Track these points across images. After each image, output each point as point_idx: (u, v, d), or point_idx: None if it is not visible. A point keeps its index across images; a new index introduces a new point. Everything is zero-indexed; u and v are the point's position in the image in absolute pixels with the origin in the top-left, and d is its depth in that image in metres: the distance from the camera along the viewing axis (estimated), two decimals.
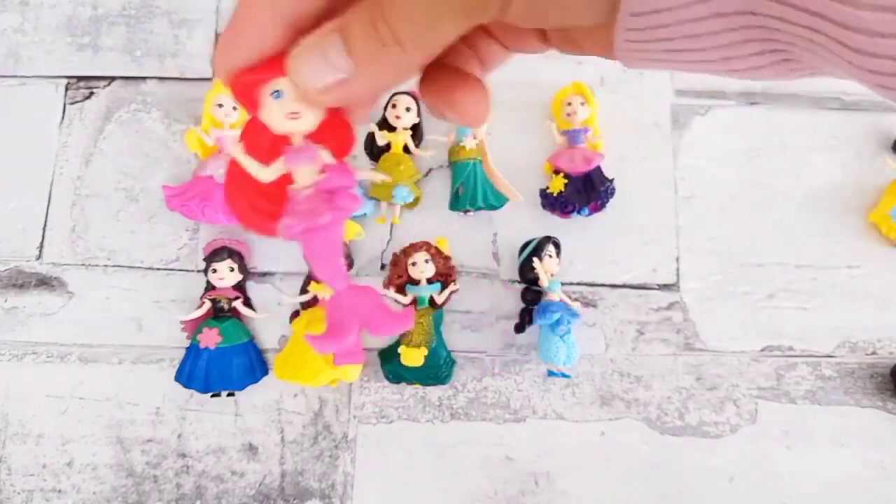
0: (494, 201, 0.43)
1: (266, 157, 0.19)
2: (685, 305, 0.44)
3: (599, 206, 0.43)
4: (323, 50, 0.16)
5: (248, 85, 0.17)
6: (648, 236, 0.44)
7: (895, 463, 0.41)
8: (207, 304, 0.41)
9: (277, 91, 0.17)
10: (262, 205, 0.19)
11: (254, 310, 0.42)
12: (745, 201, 0.45)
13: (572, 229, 0.43)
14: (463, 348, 0.42)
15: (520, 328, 0.42)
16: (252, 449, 0.40)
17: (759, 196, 0.45)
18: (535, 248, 0.41)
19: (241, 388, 0.40)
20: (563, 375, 0.41)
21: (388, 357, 0.41)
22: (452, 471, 0.40)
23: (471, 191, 0.43)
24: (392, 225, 0.44)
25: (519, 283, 0.43)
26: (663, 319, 0.43)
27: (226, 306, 0.41)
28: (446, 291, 0.42)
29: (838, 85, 0.48)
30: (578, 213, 0.42)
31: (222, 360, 0.40)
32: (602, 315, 0.43)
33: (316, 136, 0.18)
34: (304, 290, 0.42)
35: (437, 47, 0.16)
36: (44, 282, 0.42)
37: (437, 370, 0.40)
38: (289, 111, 0.17)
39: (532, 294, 0.42)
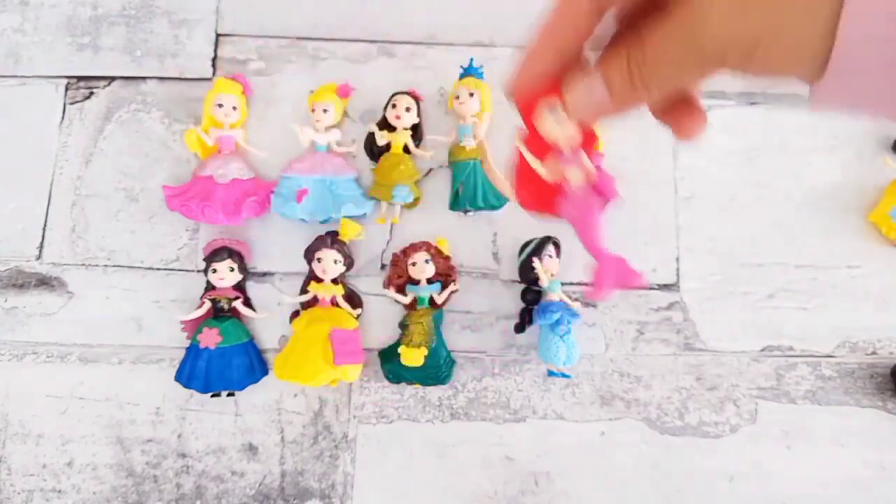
0: (494, 201, 0.43)
1: (540, 155, 0.26)
2: (685, 305, 0.44)
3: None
4: (590, 89, 0.22)
5: (530, 99, 0.24)
6: (648, 236, 0.44)
7: (895, 463, 0.41)
8: (207, 304, 0.41)
9: (552, 107, 0.24)
10: (543, 193, 0.27)
11: (254, 310, 0.42)
12: (745, 201, 0.45)
13: (570, 229, 0.43)
14: (463, 348, 0.42)
15: (520, 328, 0.42)
16: (252, 449, 0.40)
17: (759, 196, 0.45)
18: (536, 248, 0.41)
19: (241, 388, 0.40)
20: (564, 375, 0.41)
21: (388, 357, 0.41)
22: (452, 471, 0.40)
23: (471, 191, 0.43)
24: (392, 225, 0.44)
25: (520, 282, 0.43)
26: (663, 319, 0.43)
27: (226, 306, 0.41)
28: (446, 291, 0.42)
29: None
30: None
31: (222, 360, 0.40)
32: (602, 315, 0.43)
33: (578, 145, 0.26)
34: (304, 290, 0.42)
35: (673, 91, 0.22)
36: (44, 282, 0.42)
37: (437, 370, 0.40)
38: (559, 122, 0.25)
39: (532, 294, 0.42)
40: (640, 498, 0.40)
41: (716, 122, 0.47)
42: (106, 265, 0.43)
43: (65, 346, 0.41)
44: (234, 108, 0.43)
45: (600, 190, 0.27)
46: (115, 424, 0.40)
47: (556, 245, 0.42)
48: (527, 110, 0.25)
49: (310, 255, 0.42)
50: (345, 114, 0.46)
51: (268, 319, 0.42)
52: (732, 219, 0.45)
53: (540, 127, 0.26)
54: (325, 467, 0.40)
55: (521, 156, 0.27)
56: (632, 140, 0.46)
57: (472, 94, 0.44)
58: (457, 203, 0.43)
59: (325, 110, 0.44)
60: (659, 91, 0.22)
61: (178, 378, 0.40)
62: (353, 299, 0.42)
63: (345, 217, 0.42)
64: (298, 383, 0.40)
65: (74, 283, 0.43)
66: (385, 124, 0.44)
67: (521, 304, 0.42)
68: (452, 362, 0.41)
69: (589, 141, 0.26)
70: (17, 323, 0.42)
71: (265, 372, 0.41)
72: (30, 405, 0.40)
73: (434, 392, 0.42)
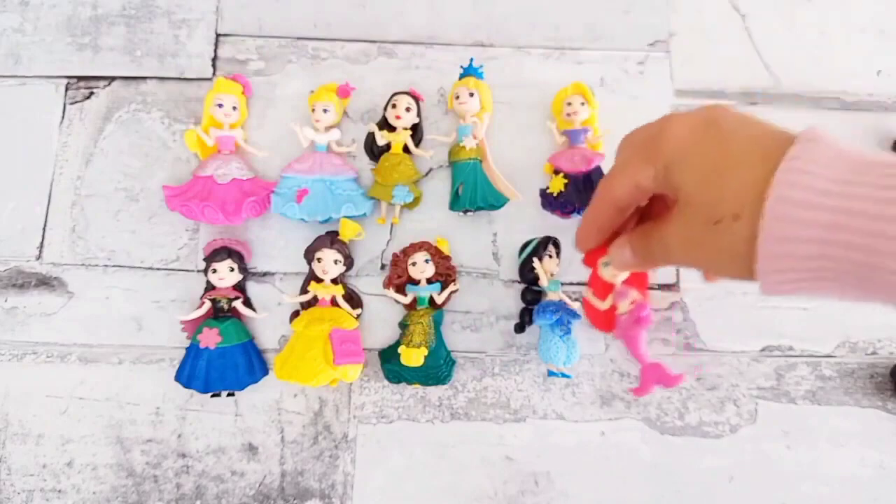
0: (494, 201, 0.43)
1: (602, 294, 0.40)
2: (685, 305, 0.44)
3: None
4: (622, 250, 0.31)
5: (592, 257, 0.33)
6: None
7: (895, 463, 0.41)
8: (207, 304, 0.41)
9: (605, 261, 0.36)
10: (603, 317, 0.41)
11: (254, 310, 0.42)
12: None
13: (573, 229, 0.43)
14: (463, 348, 0.42)
15: (520, 328, 0.42)
16: (252, 449, 0.40)
17: None
18: (535, 248, 0.41)
19: (241, 388, 0.40)
20: (564, 375, 0.41)
21: (388, 357, 0.41)
22: (452, 471, 0.40)
23: (471, 191, 0.43)
24: (392, 225, 0.44)
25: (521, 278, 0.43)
26: (663, 319, 0.43)
27: (226, 306, 0.41)
28: (446, 291, 0.42)
29: (838, 85, 0.48)
30: (578, 213, 0.42)
31: (222, 360, 0.40)
32: None
33: (627, 282, 0.40)
34: (304, 290, 0.42)
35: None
36: (44, 282, 0.42)
37: (436, 370, 0.40)
38: (611, 272, 0.40)
39: (532, 294, 0.42)
40: (640, 498, 0.40)
41: None
42: (106, 265, 0.43)
43: (65, 346, 0.41)
44: (234, 108, 0.43)
45: (640, 317, 0.38)
46: (115, 424, 0.40)
47: (557, 245, 0.42)
48: (590, 263, 0.38)
49: (310, 255, 0.42)
50: (344, 114, 0.46)
51: (268, 319, 0.42)
52: None
53: (599, 272, 0.41)
54: (325, 467, 0.40)
55: (589, 293, 0.42)
56: None
57: (472, 94, 0.44)
58: (457, 203, 0.43)
59: (325, 110, 0.44)
60: (663, 264, 0.31)
61: (178, 378, 0.40)
62: (353, 299, 0.42)
63: (344, 217, 0.42)
64: (298, 383, 0.40)
65: (74, 283, 0.43)
66: (385, 124, 0.44)
67: (522, 304, 0.42)
68: (452, 362, 0.41)
69: (640, 281, 0.40)
70: (17, 323, 0.42)
71: (265, 372, 0.41)
72: (30, 405, 0.40)
73: (434, 392, 0.42)
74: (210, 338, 0.40)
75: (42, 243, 0.43)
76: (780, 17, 0.49)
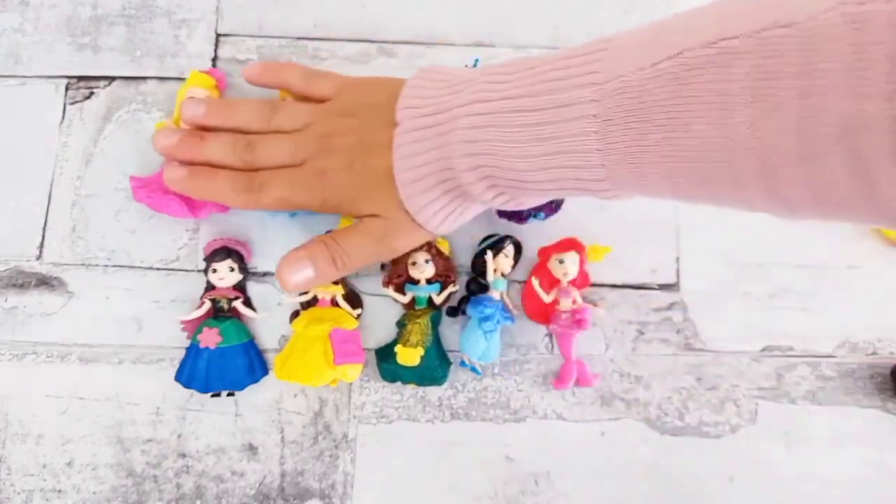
0: None
1: (547, 287, 0.42)
2: (685, 305, 0.44)
3: (554, 209, 0.42)
4: (303, 271, 0.36)
5: (546, 250, 0.43)
6: (648, 236, 0.44)
7: (895, 463, 0.41)
8: (207, 304, 0.41)
9: (559, 258, 0.42)
10: (541, 308, 0.42)
11: (254, 310, 0.42)
12: None
13: (573, 229, 0.43)
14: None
15: (452, 312, 0.43)
16: (252, 449, 0.40)
17: None
18: (494, 243, 0.41)
19: (242, 388, 0.40)
20: (474, 369, 0.41)
21: (385, 356, 0.41)
22: (452, 471, 0.40)
23: None
24: None
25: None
26: (663, 319, 0.43)
27: (226, 306, 0.41)
28: (445, 292, 0.42)
29: None
30: (534, 217, 0.42)
31: (222, 360, 0.40)
32: (602, 315, 0.43)
33: (573, 282, 0.42)
34: (304, 290, 0.42)
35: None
36: (44, 282, 0.43)
37: (433, 370, 0.40)
38: (563, 270, 0.42)
39: (476, 285, 0.42)
40: (640, 498, 0.40)
41: None
42: (106, 265, 0.43)
43: (65, 346, 0.41)
44: None
45: (580, 319, 0.40)
46: (115, 424, 0.40)
47: (517, 247, 0.42)
48: (543, 255, 0.42)
49: None
50: None
51: (268, 319, 0.42)
52: (733, 219, 0.45)
53: (549, 265, 0.42)
54: (325, 467, 0.40)
55: (531, 283, 0.42)
56: None
57: None
58: None
59: None
60: (348, 272, 0.38)
61: (178, 378, 0.40)
62: (354, 299, 0.42)
63: (309, 212, 0.42)
64: (298, 383, 0.40)
65: (74, 283, 0.43)
66: None
67: (464, 292, 0.43)
68: (449, 363, 0.41)
69: (582, 282, 0.42)
70: (17, 323, 0.42)
71: (265, 372, 0.41)
72: (30, 405, 0.41)
73: (434, 392, 0.42)
74: (210, 338, 0.40)
75: (42, 243, 0.43)
76: None
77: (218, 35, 0.47)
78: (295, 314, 0.42)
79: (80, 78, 0.46)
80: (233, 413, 0.41)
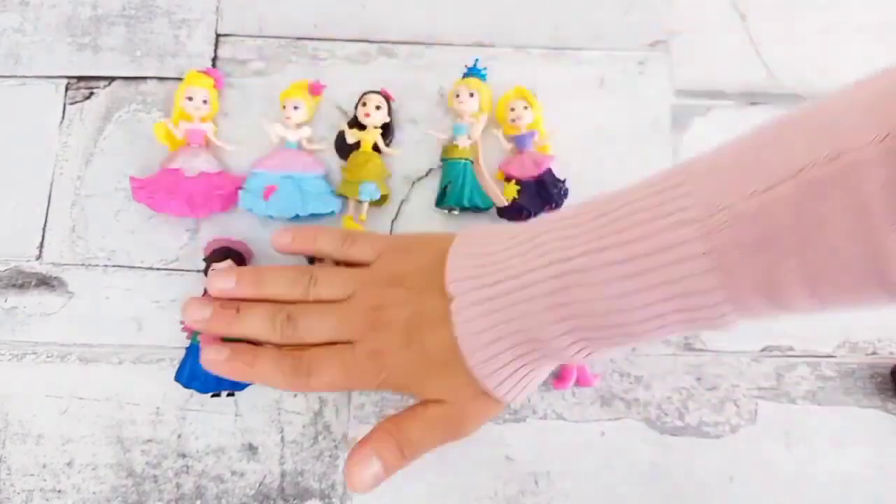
0: (481, 203, 0.43)
1: None
2: None
3: (555, 209, 0.42)
4: (371, 468, 0.33)
5: None
6: None
7: (895, 463, 0.41)
8: None
9: None
10: None
11: None
12: None
13: None
14: None
15: None
16: (252, 449, 0.40)
17: None
18: None
19: (241, 388, 0.40)
20: None
21: None
22: (452, 471, 0.40)
23: (458, 190, 0.43)
24: (362, 223, 0.43)
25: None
26: None
27: None
28: None
29: (838, 85, 0.48)
30: (534, 217, 0.42)
31: None
32: None
33: None
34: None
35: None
36: (44, 282, 0.43)
37: None
38: None
39: None
40: (640, 498, 0.40)
41: (716, 122, 0.47)
42: (106, 265, 0.43)
43: (65, 346, 0.41)
44: (205, 101, 0.44)
45: None
46: (115, 424, 0.40)
47: None
48: None
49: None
50: (345, 113, 0.46)
51: None
52: None
53: None
54: (325, 467, 0.40)
55: None
56: (631, 140, 0.46)
57: (472, 95, 0.44)
58: (443, 200, 0.43)
59: (295, 107, 0.44)
60: (413, 460, 0.34)
61: (178, 378, 0.40)
62: None
63: (311, 214, 0.42)
64: None
65: (74, 283, 0.43)
66: (355, 122, 0.44)
67: None
68: None
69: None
70: (17, 323, 0.42)
71: None
72: (30, 405, 0.40)
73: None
74: (210, 339, 0.40)
75: (42, 243, 0.43)
76: (780, 17, 0.49)
77: (218, 35, 0.47)
78: None
79: (80, 78, 0.46)
80: (233, 413, 0.41)
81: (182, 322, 0.41)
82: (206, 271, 0.41)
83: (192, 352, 0.40)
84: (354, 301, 0.34)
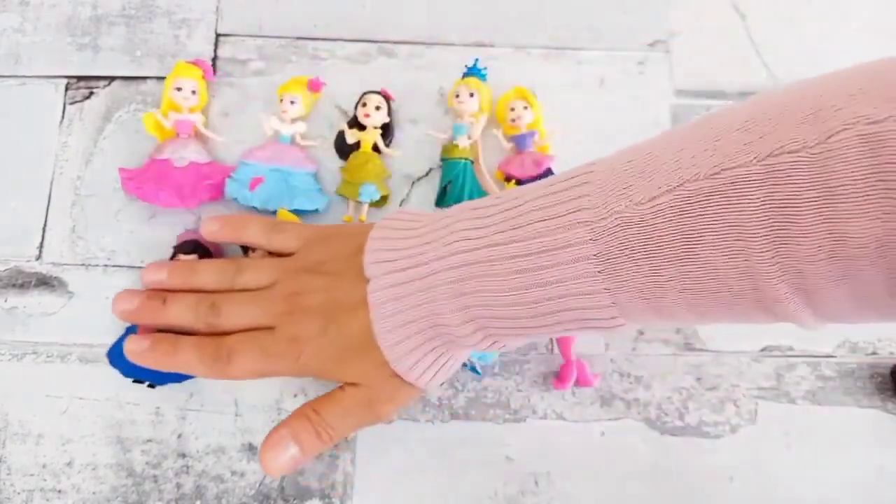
0: None
1: None
2: None
3: None
4: (287, 449, 0.34)
5: None
6: None
7: (895, 463, 0.41)
8: None
9: None
10: None
11: None
12: None
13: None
14: None
15: None
16: (252, 449, 0.40)
17: None
18: None
19: (162, 383, 0.40)
20: (473, 369, 0.41)
21: None
22: (452, 471, 0.40)
23: (458, 190, 0.43)
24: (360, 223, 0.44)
25: None
26: None
27: None
28: None
29: None
30: None
31: None
32: None
33: None
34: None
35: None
36: (44, 282, 0.42)
37: None
38: None
39: None
40: (640, 498, 0.40)
41: None
42: (106, 265, 0.43)
43: (65, 346, 0.41)
44: (194, 91, 0.44)
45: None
46: (115, 424, 0.40)
47: None
48: None
49: (246, 245, 0.41)
50: (344, 113, 0.46)
51: None
52: None
53: None
54: (325, 467, 0.40)
55: None
56: (631, 140, 0.46)
57: (472, 95, 0.44)
58: (443, 200, 0.43)
59: (292, 102, 0.44)
60: (334, 442, 0.35)
61: (108, 354, 0.40)
62: None
63: (295, 209, 0.42)
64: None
65: (74, 283, 0.43)
66: (355, 122, 0.44)
67: None
68: None
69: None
70: (17, 323, 0.42)
71: (192, 375, 0.40)
72: (30, 405, 0.40)
73: (434, 392, 0.42)
74: (148, 326, 0.39)
75: (42, 243, 0.43)
76: (780, 17, 0.49)
77: (218, 35, 0.47)
78: None
79: (80, 78, 0.46)
80: (233, 413, 0.41)
81: None
82: (171, 259, 0.41)
83: (129, 332, 0.39)
84: (276, 288, 0.34)
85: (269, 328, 0.34)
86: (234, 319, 0.34)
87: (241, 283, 0.36)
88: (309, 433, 0.33)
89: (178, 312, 0.35)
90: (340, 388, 0.34)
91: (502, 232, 0.29)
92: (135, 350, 0.36)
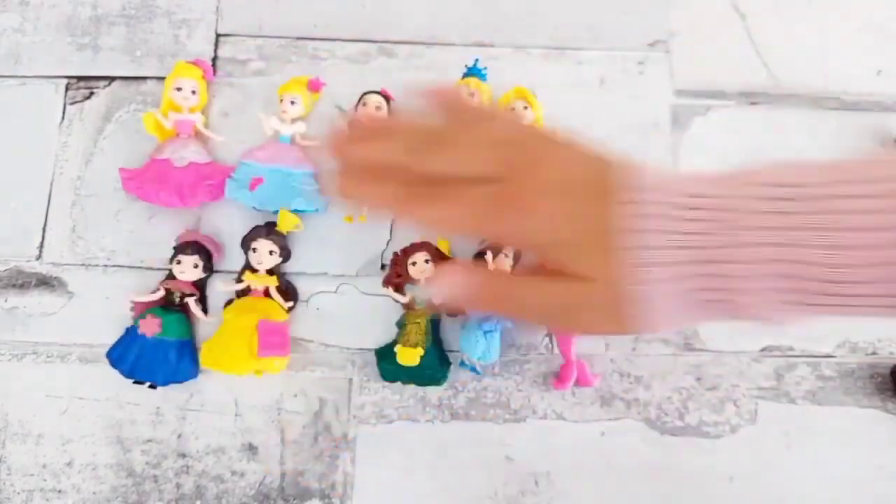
0: None
1: None
2: None
3: None
4: (452, 284, 0.29)
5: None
6: None
7: (895, 463, 0.41)
8: (162, 292, 0.41)
9: None
10: None
11: (206, 311, 0.42)
12: None
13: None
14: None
15: (452, 313, 0.42)
16: (252, 449, 0.40)
17: None
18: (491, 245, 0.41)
19: (163, 383, 0.40)
20: (473, 369, 0.41)
21: (384, 355, 0.41)
22: (452, 471, 0.40)
23: None
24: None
25: None
26: None
27: (177, 300, 0.41)
28: None
29: (838, 85, 0.48)
30: None
31: (155, 351, 0.39)
32: None
33: None
34: (238, 280, 0.42)
35: None
36: (44, 282, 0.42)
37: (432, 371, 0.40)
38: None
39: None
40: (640, 498, 0.40)
41: (716, 122, 0.47)
42: (106, 265, 0.43)
43: (65, 346, 0.41)
44: (194, 91, 0.44)
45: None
46: (115, 424, 0.40)
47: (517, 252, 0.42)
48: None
49: (246, 244, 0.41)
50: (344, 111, 0.46)
51: (216, 323, 0.41)
52: None
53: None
54: (325, 467, 0.40)
55: None
56: (631, 140, 0.46)
57: (472, 95, 0.44)
58: None
59: (292, 102, 0.44)
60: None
61: (108, 354, 0.40)
62: (288, 292, 0.42)
63: (294, 210, 0.42)
64: (222, 371, 0.40)
65: (74, 283, 0.43)
66: None
67: None
68: (448, 363, 0.41)
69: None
70: (17, 323, 0.42)
71: (194, 375, 0.41)
72: (30, 405, 0.41)
73: (434, 392, 0.42)
74: (150, 326, 0.39)
75: (42, 243, 0.43)
76: (780, 17, 0.49)
77: (218, 35, 0.47)
78: (229, 302, 0.42)
79: (80, 78, 0.46)
80: (233, 413, 0.41)
81: (132, 302, 0.41)
82: (171, 259, 0.41)
83: (130, 334, 0.40)
84: (502, 146, 0.28)
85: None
86: (449, 160, 0.28)
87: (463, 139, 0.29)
88: (489, 288, 0.28)
89: (389, 145, 0.29)
90: (559, 272, 0.27)
91: (834, 176, 0.24)
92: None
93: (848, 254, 0.23)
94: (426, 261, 0.41)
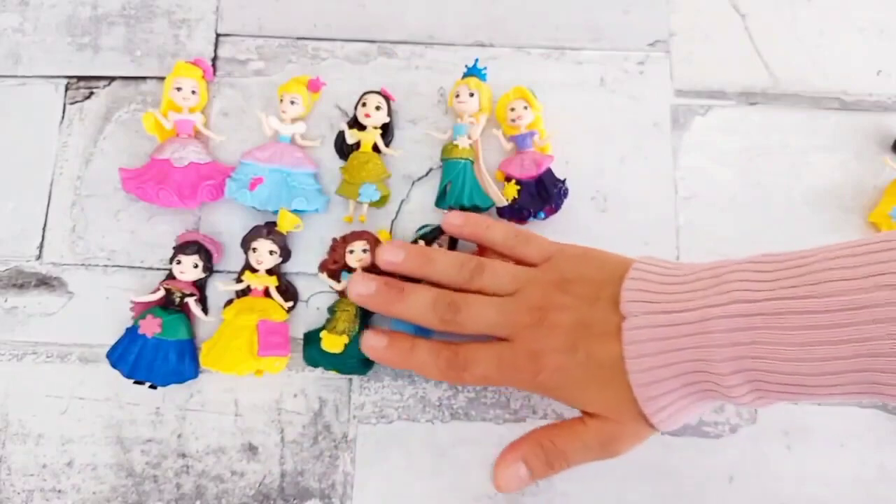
0: (480, 202, 0.43)
1: None
2: None
3: (554, 209, 0.42)
4: (517, 469, 0.36)
5: None
6: (648, 236, 0.44)
7: (895, 463, 0.41)
8: (162, 292, 0.41)
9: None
10: None
11: (206, 311, 0.42)
12: (744, 201, 0.45)
13: (574, 229, 0.43)
14: None
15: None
16: (252, 449, 0.40)
17: (759, 196, 0.45)
18: (429, 233, 0.42)
19: (164, 384, 0.40)
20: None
21: (310, 340, 0.41)
22: (452, 471, 0.40)
23: (458, 190, 0.43)
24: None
25: None
26: None
27: (177, 300, 0.41)
28: None
29: (838, 85, 0.48)
30: (534, 217, 0.42)
31: (155, 351, 0.39)
32: None
33: None
34: (238, 280, 0.42)
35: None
36: (44, 282, 0.43)
37: (355, 360, 0.40)
38: None
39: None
40: (640, 498, 0.40)
41: (716, 122, 0.47)
42: (106, 265, 0.43)
43: (65, 346, 0.41)
44: (193, 91, 0.44)
45: None
46: (115, 424, 0.40)
47: (453, 238, 0.42)
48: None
49: (246, 244, 0.41)
50: (344, 112, 0.46)
51: (216, 323, 0.41)
52: (732, 219, 0.45)
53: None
54: (325, 467, 0.40)
55: None
56: (631, 140, 0.46)
57: (472, 94, 0.44)
58: (443, 200, 0.43)
59: (292, 102, 0.44)
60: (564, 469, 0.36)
61: (109, 355, 0.40)
62: (288, 292, 0.42)
63: (294, 210, 0.42)
64: (221, 372, 0.40)
65: (74, 283, 0.43)
66: (355, 122, 0.44)
67: None
68: None
69: None
70: (17, 323, 0.42)
71: (195, 375, 0.41)
72: (30, 405, 0.41)
73: (434, 392, 0.42)
74: (150, 326, 0.39)
75: (42, 243, 0.43)
76: (780, 17, 0.49)
77: (218, 35, 0.47)
78: (229, 302, 0.42)
79: (80, 78, 0.46)
80: (233, 413, 0.41)
81: (132, 302, 0.41)
82: (171, 259, 0.41)
83: (130, 334, 0.40)
84: (519, 298, 0.34)
85: (506, 339, 0.34)
86: (472, 322, 0.34)
87: (479, 284, 0.35)
88: (541, 461, 0.34)
89: (417, 305, 0.35)
90: (581, 420, 0.33)
91: (794, 287, 0.28)
92: (374, 346, 0.36)
93: (798, 357, 0.27)
94: (364, 250, 0.41)
